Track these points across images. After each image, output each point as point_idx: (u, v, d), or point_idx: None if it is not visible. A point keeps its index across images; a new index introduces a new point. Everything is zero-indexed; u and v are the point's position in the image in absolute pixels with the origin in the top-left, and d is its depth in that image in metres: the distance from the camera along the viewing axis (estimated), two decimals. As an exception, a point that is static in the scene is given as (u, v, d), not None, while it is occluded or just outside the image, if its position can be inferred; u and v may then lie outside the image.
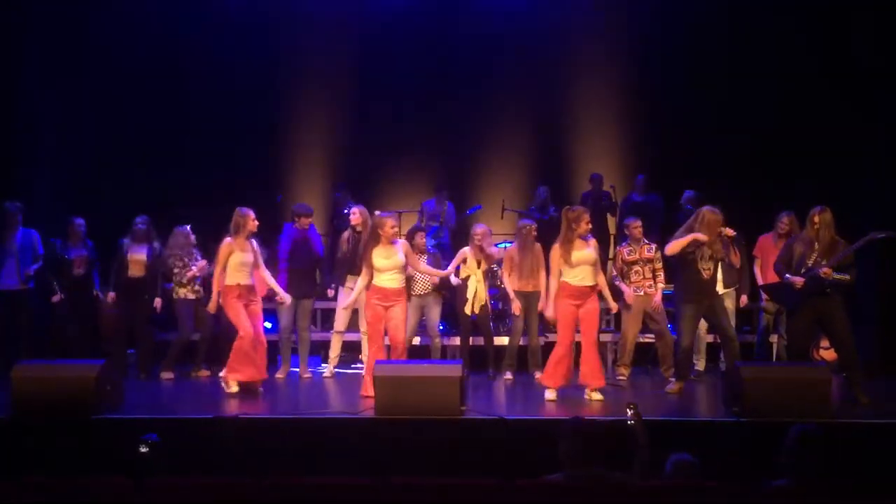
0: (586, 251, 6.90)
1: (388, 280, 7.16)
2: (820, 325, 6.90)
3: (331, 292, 8.41)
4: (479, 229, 8.24)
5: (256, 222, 7.33)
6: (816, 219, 6.76)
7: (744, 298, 8.17)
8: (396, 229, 7.41)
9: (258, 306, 7.38)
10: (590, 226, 6.96)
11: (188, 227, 8.28)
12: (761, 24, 10.08)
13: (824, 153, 9.50)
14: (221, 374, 7.32)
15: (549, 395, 6.92)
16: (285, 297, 7.67)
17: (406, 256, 7.21)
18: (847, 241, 6.78)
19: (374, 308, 7.18)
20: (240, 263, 7.24)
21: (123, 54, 10.28)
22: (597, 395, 6.89)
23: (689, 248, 7.05)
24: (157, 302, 8.26)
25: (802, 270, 6.78)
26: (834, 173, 9.23)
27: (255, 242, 7.41)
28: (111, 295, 8.28)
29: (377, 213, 7.66)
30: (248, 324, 7.16)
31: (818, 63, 9.60)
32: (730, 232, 7.15)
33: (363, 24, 10.92)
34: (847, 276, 6.66)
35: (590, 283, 6.92)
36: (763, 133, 10.10)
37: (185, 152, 10.55)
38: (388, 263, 7.12)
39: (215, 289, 7.31)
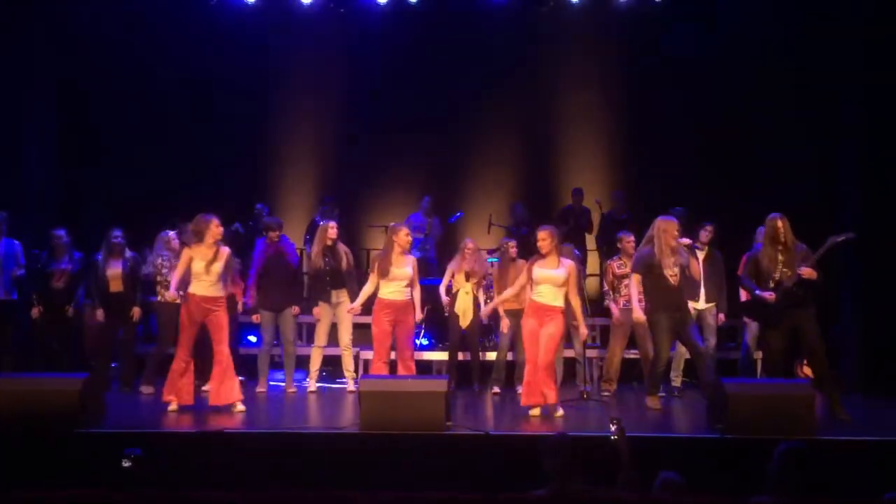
0: (552, 272, 6.83)
1: (395, 292, 7.22)
2: (794, 336, 6.92)
3: (297, 310, 8.25)
4: (469, 244, 8.28)
5: (219, 229, 6.97)
6: (780, 224, 6.79)
7: (721, 316, 8.19)
8: (411, 238, 7.44)
9: (221, 316, 6.96)
10: (540, 241, 6.87)
11: (170, 233, 8.22)
12: (743, 39, 10.20)
13: (804, 169, 9.61)
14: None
15: (534, 410, 6.91)
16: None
17: (413, 271, 7.28)
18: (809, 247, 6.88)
19: (381, 323, 7.21)
20: (202, 272, 6.89)
21: (113, 64, 10.28)
22: (559, 412, 6.87)
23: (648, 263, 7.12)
24: (136, 311, 8.15)
25: (772, 284, 6.81)
26: (810, 188, 9.33)
27: (224, 249, 7.02)
28: (99, 312, 8.15)
29: (392, 223, 7.70)
30: (185, 349, 6.92)
31: (800, 78, 9.71)
32: (685, 241, 7.22)
33: (351, 38, 10.96)
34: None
35: (554, 302, 6.86)
36: (746, 149, 10.20)
37: (171, 162, 10.56)
38: (399, 273, 7.21)
39: (171, 290, 7.16)
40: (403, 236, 7.28)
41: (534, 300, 6.91)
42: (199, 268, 6.89)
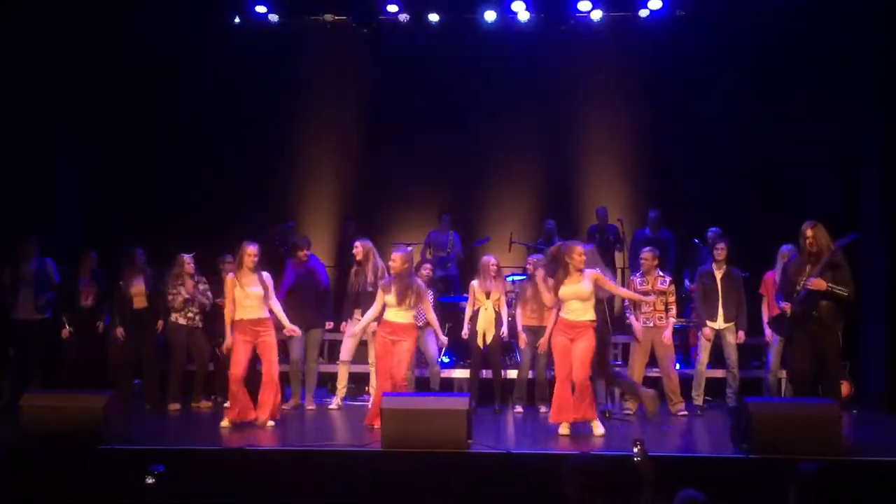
0: (578, 286, 6.81)
1: (398, 315, 7.20)
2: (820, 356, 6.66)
3: (330, 325, 8.41)
4: (486, 260, 8.29)
5: (252, 256, 7.22)
6: (809, 232, 6.55)
7: (741, 334, 8.09)
8: (398, 264, 7.39)
9: (269, 338, 7.28)
10: (583, 257, 6.87)
11: (185, 256, 8.30)
12: (766, 58, 10.17)
13: (828, 186, 9.52)
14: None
15: (562, 429, 6.85)
16: (293, 329, 7.50)
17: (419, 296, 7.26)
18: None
19: (382, 342, 7.22)
20: (243, 297, 7.20)
21: (139, 83, 10.41)
22: (598, 429, 6.82)
23: None
24: (160, 324, 8.31)
25: (795, 296, 6.60)
26: (834, 205, 9.24)
27: (264, 275, 7.34)
28: (119, 330, 8.27)
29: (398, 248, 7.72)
30: (238, 366, 7.12)
31: (825, 94, 9.65)
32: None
33: (373, 57, 11.04)
34: (845, 291, 6.43)
35: (584, 317, 6.83)
36: (770, 168, 10.14)
37: (197, 182, 10.68)
38: (388, 298, 7.19)
39: (227, 325, 7.32)
40: (396, 262, 7.24)
41: (563, 318, 6.89)
42: (240, 294, 7.19)
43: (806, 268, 6.56)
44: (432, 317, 7.65)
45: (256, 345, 7.26)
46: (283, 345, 8.24)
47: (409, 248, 7.89)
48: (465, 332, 8.25)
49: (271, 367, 7.24)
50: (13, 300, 8.27)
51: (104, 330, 8.47)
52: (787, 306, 6.66)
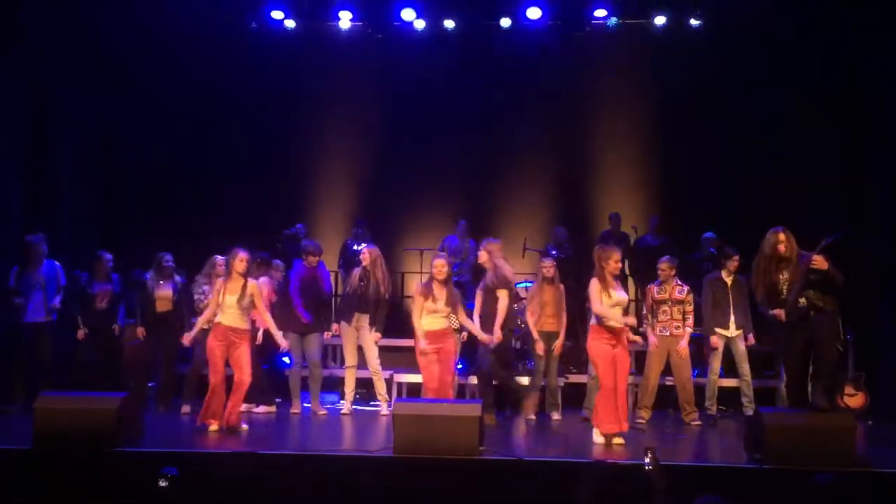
0: (622, 293, 6.84)
1: (435, 322, 7.26)
2: (812, 347, 6.32)
3: (328, 336, 8.38)
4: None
5: (243, 263, 7.15)
6: (782, 236, 6.28)
7: (750, 338, 8.08)
8: (448, 270, 7.43)
9: (243, 348, 7.16)
10: (619, 264, 6.86)
11: (217, 257, 8.32)
12: (778, 67, 10.17)
13: (836, 194, 9.47)
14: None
15: (597, 437, 6.75)
16: (282, 343, 7.47)
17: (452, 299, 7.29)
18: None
19: (426, 356, 7.26)
20: (226, 304, 7.13)
21: (151, 84, 10.49)
22: (618, 440, 6.74)
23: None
24: (186, 338, 7.70)
25: (784, 298, 6.30)
26: (841, 212, 9.19)
27: (252, 283, 7.24)
28: (140, 330, 8.31)
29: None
30: (217, 373, 7.11)
31: (836, 105, 9.62)
32: None
33: (388, 63, 11.07)
34: (840, 275, 6.12)
35: (621, 323, 6.83)
36: (779, 175, 10.11)
37: (209, 185, 10.74)
38: (436, 305, 7.23)
39: (200, 320, 7.35)
40: (439, 268, 7.34)
41: (605, 325, 6.77)
42: (226, 300, 7.15)
43: (782, 273, 6.29)
44: (465, 319, 7.49)
45: (230, 352, 7.16)
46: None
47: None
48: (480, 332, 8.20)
49: (243, 375, 7.15)
50: (23, 303, 8.30)
51: (119, 332, 8.51)
52: (779, 312, 6.36)
